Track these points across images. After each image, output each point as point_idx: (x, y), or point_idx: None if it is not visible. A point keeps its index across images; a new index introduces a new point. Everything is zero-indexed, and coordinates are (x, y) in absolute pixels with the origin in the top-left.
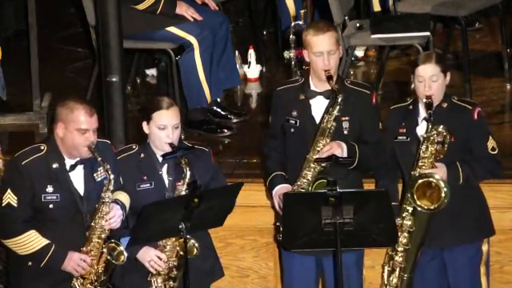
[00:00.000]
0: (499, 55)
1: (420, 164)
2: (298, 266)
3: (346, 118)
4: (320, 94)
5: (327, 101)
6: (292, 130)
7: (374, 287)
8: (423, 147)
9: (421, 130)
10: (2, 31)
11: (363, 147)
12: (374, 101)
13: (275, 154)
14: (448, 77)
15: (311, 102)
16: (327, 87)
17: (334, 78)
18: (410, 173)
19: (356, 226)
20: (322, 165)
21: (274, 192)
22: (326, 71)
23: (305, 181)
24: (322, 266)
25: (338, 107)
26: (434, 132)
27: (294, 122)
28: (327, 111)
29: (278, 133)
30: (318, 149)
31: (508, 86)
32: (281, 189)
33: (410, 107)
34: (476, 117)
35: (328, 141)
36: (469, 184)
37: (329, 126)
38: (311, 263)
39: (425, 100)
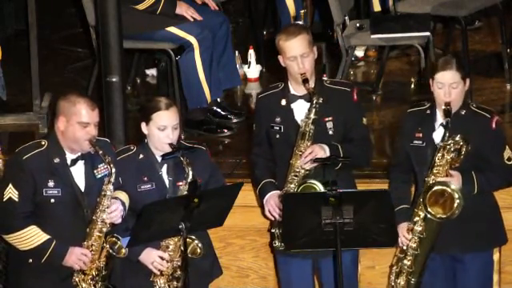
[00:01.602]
0: (499, 55)
1: (435, 171)
2: (295, 270)
3: (330, 119)
4: (300, 97)
5: (308, 104)
6: (277, 136)
7: (374, 287)
8: (439, 155)
9: (437, 135)
10: (2, 31)
11: (348, 145)
12: (355, 97)
13: (262, 161)
14: (467, 83)
15: (293, 106)
16: None
17: (312, 80)
18: (424, 178)
19: (356, 226)
20: (307, 168)
21: (265, 200)
22: (301, 74)
23: (292, 186)
24: (319, 267)
25: (314, 110)
26: (451, 141)
27: (278, 128)
28: (305, 115)
29: (263, 140)
30: (299, 153)
31: (508, 86)
32: (271, 196)
33: (428, 112)
34: (494, 126)
35: (309, 144)
36: (482, 194)
37: (307, 129)
38: (308, 267)
39: (443, 107)
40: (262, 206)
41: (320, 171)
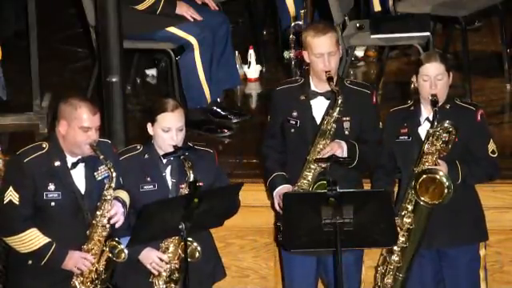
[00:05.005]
0: (499, 55)
1: (424, 160)
2: (298, 265)
3: (347, 119)
4: (321, 94)
5: (328, 101)
6: (292, 130)
7: None
8: (428, 143)
9: (423, 130)
10: (2, 31)
11: (363, 146)
12: (374, 100)
13: (274, 154)
14: (451, 76)
15: (312, 102)
16: (328, 88)
17: (335, 79)
18: (411, 171)
19: (356, 226)
20: (323, 166)
21: (275, 193)
22: (326, 72)
23: (305, 182)
24: (324, 264)
25: (338, 109)
26: (440, 128)
27: (294, 122)
28: (327, 113)
29: (277, 132)
30: (319, 150)
31: (508, 86)
32: (282, 189)
33: (412, 108)
34: (478, 118)
35: (328, 142)
36: (466, 184)
37: (329, 127)
38: (312, 263)
39: (430, 97)
40: (271, 197)
41: (335, 168)
